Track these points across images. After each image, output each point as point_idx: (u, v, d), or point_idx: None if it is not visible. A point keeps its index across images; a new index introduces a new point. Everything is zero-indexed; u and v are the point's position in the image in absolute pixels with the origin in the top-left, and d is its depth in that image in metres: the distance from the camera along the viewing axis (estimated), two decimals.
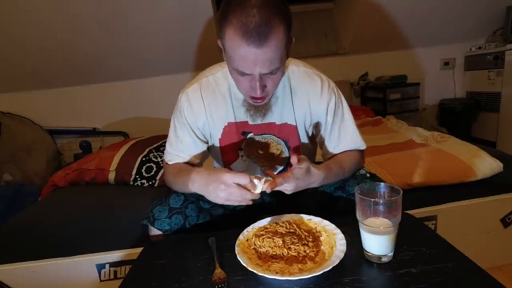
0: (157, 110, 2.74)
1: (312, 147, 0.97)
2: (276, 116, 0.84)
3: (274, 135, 0.87)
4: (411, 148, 1.56)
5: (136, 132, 2.59)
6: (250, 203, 0.68)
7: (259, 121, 0.84)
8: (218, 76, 0.83)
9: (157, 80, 2.71)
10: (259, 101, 0.74)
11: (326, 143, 0.88)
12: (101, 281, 1.22)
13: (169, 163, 0.88)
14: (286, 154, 0.90)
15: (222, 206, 0.91)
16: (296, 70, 0.84)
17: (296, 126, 0.86)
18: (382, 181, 0.81)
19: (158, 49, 2.47)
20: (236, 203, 0.69)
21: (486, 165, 1.26)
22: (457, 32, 2.79)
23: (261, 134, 0.86)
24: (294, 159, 0.69)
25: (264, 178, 0.68)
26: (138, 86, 2.73)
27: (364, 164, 0.95)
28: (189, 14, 2.22)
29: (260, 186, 0.67)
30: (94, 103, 2.72)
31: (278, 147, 0.88)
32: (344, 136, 0.87)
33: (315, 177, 0.74)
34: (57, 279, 1.20)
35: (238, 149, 0.88)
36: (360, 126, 2.16)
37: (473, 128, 2.86)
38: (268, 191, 0.67)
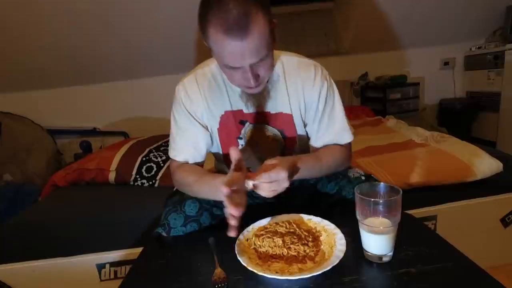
0: (157, 110, 2.73)
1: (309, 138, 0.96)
2: (271, 105, 0.85)
3: (269, 124, 0.87)
4: (411, 148, 1.56)
5: (136, 132, 2.59)
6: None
7: (253, 110, 0.84)
8: (213, 68, 0.85)
9: (157, 80, 2.71)
10: (255, 89, 0.75)
11: (315, 130, 0.87)
12: (101, 281, 1.22)
13: (176, 158, 0.87)
14: (282, 143, 0.90)
15: None
16: (290, 59, 0.85)
17: (291, 115, 0.86)
18: (378, 181, 0.81)
19: (158, 49, 2.47)
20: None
21: (486, 165, 1.26)
22: (457, 32, 2.79)
23: (257, 123, 0.86)
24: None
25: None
26: (138, 86, 2.73)
27: (364, 164, 0.95)
28: (189, 14, 2.21)
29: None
30: (94, 103, 2.73)
31: (274, 136, 0.88)
32: (332, 125, 0.86)
33: (285, 159, 0.73)
34: (57, 278, 1.21)
35: (237, 138, 0.88)
36: (360, 126, 2.17)
37: (473, 128, 2.85)
38: (250, 187, 0.67)
